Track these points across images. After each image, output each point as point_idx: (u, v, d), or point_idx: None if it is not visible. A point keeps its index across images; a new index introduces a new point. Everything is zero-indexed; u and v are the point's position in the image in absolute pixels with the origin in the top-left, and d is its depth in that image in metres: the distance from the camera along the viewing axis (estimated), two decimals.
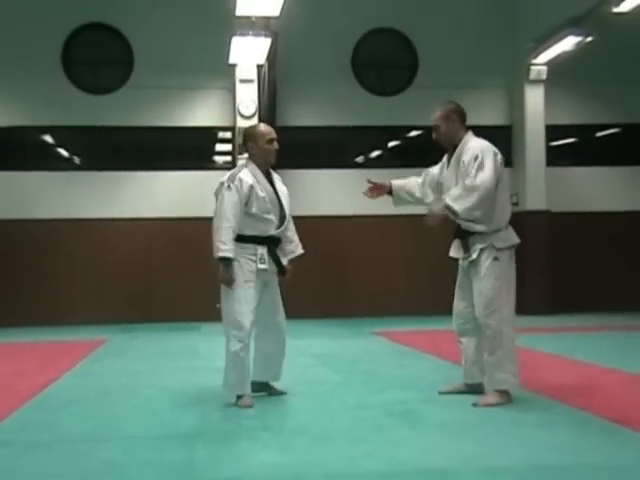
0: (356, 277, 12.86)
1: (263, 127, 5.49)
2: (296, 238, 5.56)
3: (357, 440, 4.24)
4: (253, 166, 5.34)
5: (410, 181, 5.63)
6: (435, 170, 5.53)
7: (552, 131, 13.35)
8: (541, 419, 4.65)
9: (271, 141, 5.38)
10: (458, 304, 5.39)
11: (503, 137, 13.38)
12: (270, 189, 5.33)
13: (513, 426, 4.50)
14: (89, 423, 4.81)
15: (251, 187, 5.23)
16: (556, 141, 13.64)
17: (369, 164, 13.53)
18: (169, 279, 12.67)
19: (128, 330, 11.38)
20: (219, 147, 13.52)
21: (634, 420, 4.53)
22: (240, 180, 5.23)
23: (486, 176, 5.02)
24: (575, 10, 11.14)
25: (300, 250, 5.56)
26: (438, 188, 5.44)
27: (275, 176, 5.49)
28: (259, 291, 5.31)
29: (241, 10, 9.76)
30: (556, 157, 13.47)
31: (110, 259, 12.65)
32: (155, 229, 12.73)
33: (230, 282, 5.19)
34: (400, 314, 12.41)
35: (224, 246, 5.12)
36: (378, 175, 12.94)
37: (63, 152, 13.28)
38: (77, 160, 13.27)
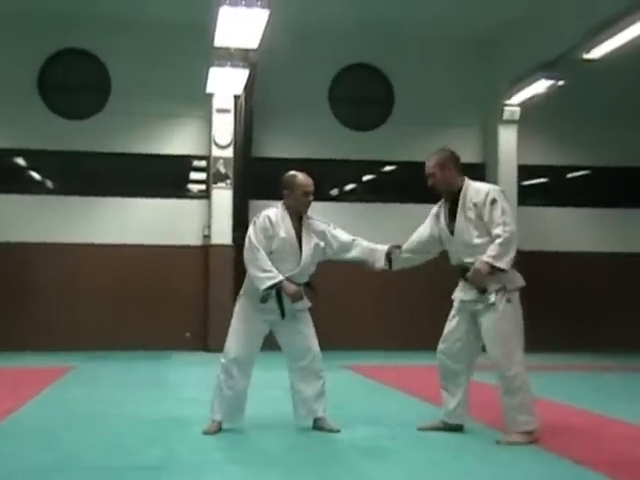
0: (328, 310, 12.81)
1: (302, 178, 5.44)
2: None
3: (327, 475, 4.22)
4: (283, 209, 5.39)
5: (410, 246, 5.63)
6: (425, 229, 5.56)
7: (524, 171, 13.54)
8: (510, 458, 4.67)
9: (307, 194, 5.40)
10: (452, 345, 5.38)
11: (476, 175, 13.26)
12: (292, 233, 5.33)
13: (481, 463, 4.51)
14: (53, 453, 4.72)
15: (274, 225, 5.29)
16: (527, 181, 13.83)
17: (343, 197, 13.63)
18: (141, 307, 12.56)
19: (97, 358, 11.24)
20: (194, 175, 13.52)
21: (599, 462, 4.56)
22: (266, 217, 5.33)
23: (509, 220, 5.11)
24: (548, 55, 11.46)
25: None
26: (435, 242, 5.50)
27: (310, 225, 5.45)
28: (263, 329, 5.40)
29: (220, 41, 9.82)
30: (527, 197, 13.65)
31: (82, 285, 12.53)
32: (128, 256, 12.65)
33: (299, 295, 5.25)
34: (371, 348, 12.41)
35: (268, 274, 5.16)
36: (352, 209, 13.24)
37: (37, 176, 13.19)
38: (51, 184, 13.19)
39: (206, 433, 5.27)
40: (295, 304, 5.30)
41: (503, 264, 5.03)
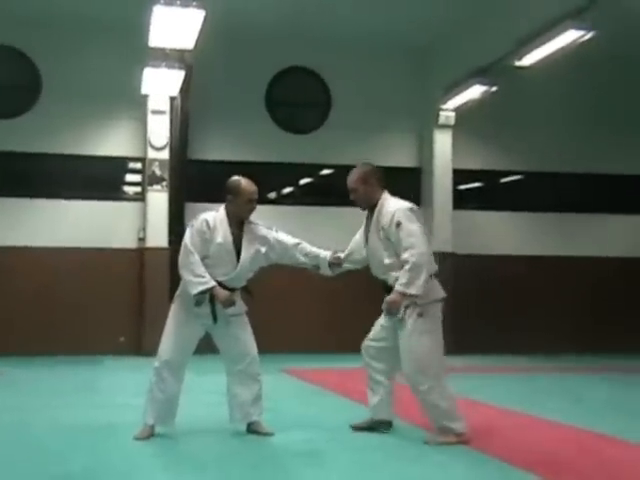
0: (265, 312, 12.74)
1: (247, 185, 5.34)
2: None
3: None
4: (223, 214, 5.31)
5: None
6: (358, 239, 5.58)
7: (459, 175, 13.70)
8: (440, 459, 4.69)
9: (251, 201, 5.33)
10: (376, 344, 5.41)
11: (412, 179, 13.69)
12: (230, 239, 5.25)
13: (413, 465, 4.53)
14: None
15: (212, 229, 5.21)
16: (463, 185, 14.00)
17: (281, 201, 13.58)
18: (73, 311, 12.27)
19: (27, 363, 10.94)
20: (129, 177, 13.30)
21: (529, 461, 4.61)
22: (204, 220, 5.25)
23: (417, 241, 5.06)
24: (482, 61, 11.66)
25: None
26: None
27: (252, 230, 5.37)
28: (197, 332, 5.35)
29: (154, 41, 9.67)
30: (462, 200, 13.82)
31: (11, 288, 12.16)
32: (61, 259, 12.34)
33: (230, 301, 5.19)
34: (310, 351, 12.39)
35: (200, 279, 5.10)
36: (290, 212, 13.21)
37: None
38: None
39: (138, 438, 5.18)
40: (228, 309, 5.24)
41: (414, 290, 5.01)
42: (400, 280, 5.03)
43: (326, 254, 5.47)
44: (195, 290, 5.10)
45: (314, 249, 5.51)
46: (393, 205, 5.26)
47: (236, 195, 5.31)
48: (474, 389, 8.25)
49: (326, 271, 5.50)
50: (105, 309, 12.43)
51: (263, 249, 5.38)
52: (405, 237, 5.08)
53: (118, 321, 12.45)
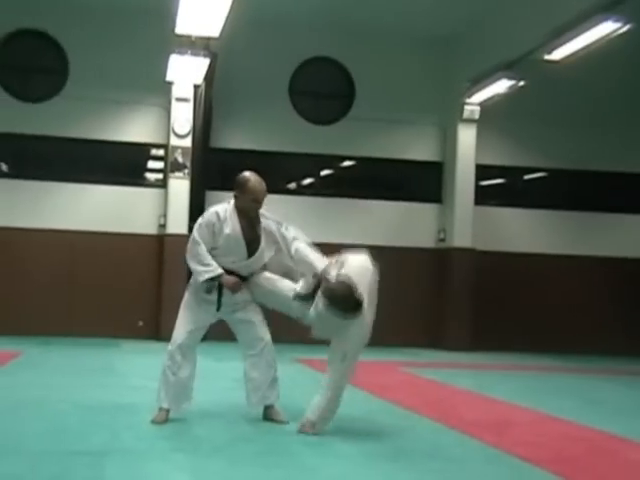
0: None
1: (253, 185, 5.33)
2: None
3: (270, 466, 4.21)
4: (232, 207, 5.37)
5: None
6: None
7: (482, 171, 13.61)
8: (454, 453, 4.70)
9: (255, 201, 5.34)
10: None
11: (434, 173, 13.64)
12: (238, 230, 5.29)
13: (427, 459, 4.54)
14: None
15: (221, 220, 5.28)
16: (485, 181, 13.93)
17: (300, 191, 13.60)
18: (92, 294, 12.40)
19: (45, 344, 11.06)
20: (151, 164, 13.37)
21: (542, 459, 4.61)
22: (214, 212, 5.34)
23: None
24: (510, 54, 11.49)
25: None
26: None
27: (262, 224, 5.38)
28: (208, 318, 5.45)
29: (181, 29, 9.70)
30: (484, 196, 13.75)
31: (31, 270, 12.31)
32: (81, 242, 12.46)
33: (237, 287, 5.30)
34: (324, 341, 12.38)
35: (207, 267, 5.22)
36: (309, 203, 13.23)
37: None
38: (3, 167, 12.93)
39: (155, 422, 5.24)
40: (236, 296, 5.33)
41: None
42: None
43: (317, 271, 5.22)
44: (202, 277, 5.23)
45: (314, 260, 5.29)
46: None
47: (241, 193, 5.35)
48: (491, 386, 8.26)
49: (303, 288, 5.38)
50: (124, 293, 12.54)
51: (270, 245, 5.42)
52: None
53: (137, 305, 12.54)
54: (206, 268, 5.22)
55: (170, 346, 5.39)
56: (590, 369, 11.14)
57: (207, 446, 4.70)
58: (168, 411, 5.33)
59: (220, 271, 5.22)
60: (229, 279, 5.26)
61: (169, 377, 5.33)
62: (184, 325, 5.39)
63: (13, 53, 12.67)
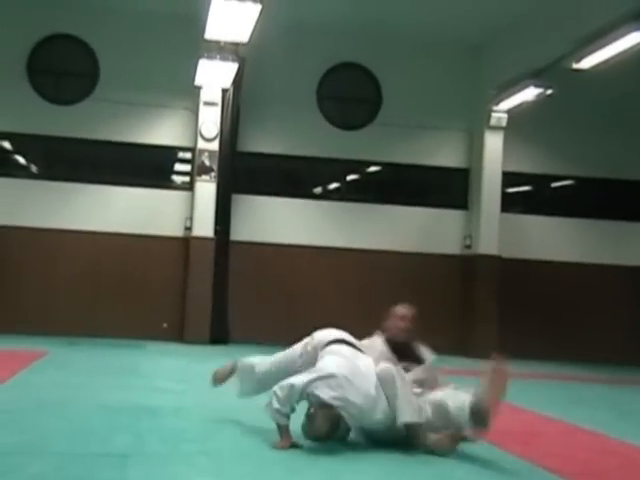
0: (307, 305, 12.83)
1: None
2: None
3: (293, 472, 4.21)
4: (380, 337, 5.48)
5: None
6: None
7: (508, 178, 13.57)
8: (476, 462, 4.67)
9: (401, 318, 5.51)
10: None
11: (460, 179, 13.60)
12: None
13: (447, 466, 4.52)
14: (21, 436, 4.67)
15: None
16: (511, 188, 13.87)
17: (326, 196, 13.62)
18: (118, 295, 12.51)
19: (71, 344, 11.17)
20: (178, 167, 13.47)
21: (571, 472, 4.56)
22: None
23: None
24: (538, 62, 11.47)
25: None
26: None
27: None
28: None
29: (210, 34, 9.79)
30: (510, 203, 13.69)
31: (59, 270, 12.45)
32: (108, 244, 12.59)
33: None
34: None
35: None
36: (335, 208, 13.24)
37: (20, 160, 13.11)
38: (34, 168, 13.10)
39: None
40: None
41: None
42: None
43: None
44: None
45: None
46: None
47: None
48: (518, 394, 8.16)
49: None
50: (149, 295, 12.62)
51: None
52: None
53: (162, 307, 12.62)
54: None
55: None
56: (621, 379, 11.02)
57: (232, 450, 4.70)
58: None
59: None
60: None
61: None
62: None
63: (45, 57, 12.84)
